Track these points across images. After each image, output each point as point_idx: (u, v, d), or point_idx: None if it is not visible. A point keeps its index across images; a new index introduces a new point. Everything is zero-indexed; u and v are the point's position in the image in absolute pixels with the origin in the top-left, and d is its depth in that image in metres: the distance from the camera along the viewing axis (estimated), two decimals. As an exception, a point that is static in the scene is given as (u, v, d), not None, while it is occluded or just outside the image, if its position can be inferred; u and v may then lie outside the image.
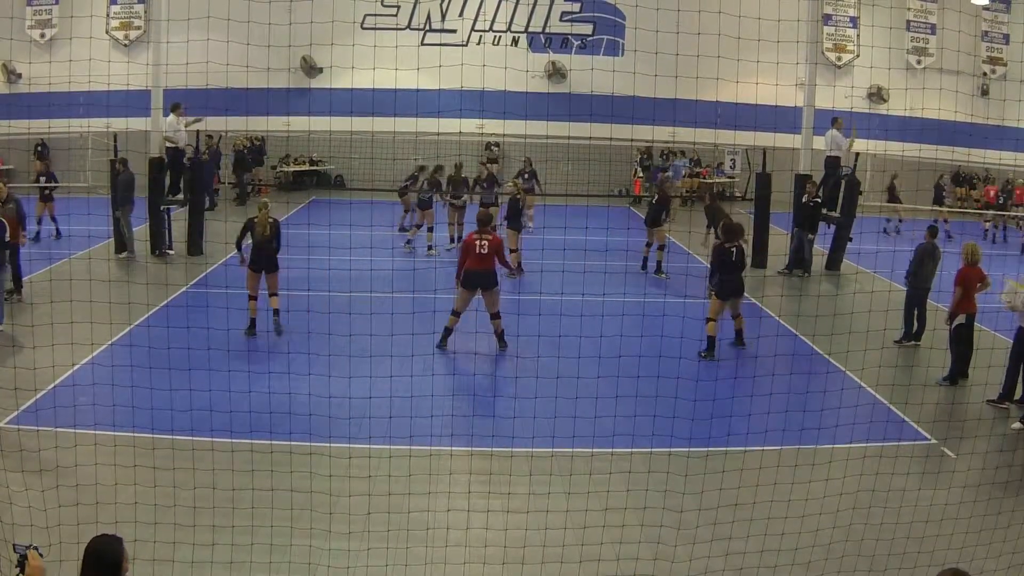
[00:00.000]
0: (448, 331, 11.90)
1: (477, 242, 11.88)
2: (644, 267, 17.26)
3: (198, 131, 18.72)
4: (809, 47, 18.68)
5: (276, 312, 12.26)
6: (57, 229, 18.76)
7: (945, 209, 24.51)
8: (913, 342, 12.88)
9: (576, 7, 28.34)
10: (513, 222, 16.71)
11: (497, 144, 24.34)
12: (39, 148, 24.69)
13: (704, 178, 27.99)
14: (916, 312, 12.88)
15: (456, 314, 11.90)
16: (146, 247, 17.15)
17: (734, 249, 12.43)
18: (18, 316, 12.29)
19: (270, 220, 12.20)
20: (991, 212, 24.94)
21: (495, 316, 11.91)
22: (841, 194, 18.22)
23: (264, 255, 12.08)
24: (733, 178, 27.39)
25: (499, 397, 10.07)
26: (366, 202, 21.63)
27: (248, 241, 12.16)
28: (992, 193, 26.53)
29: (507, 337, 11.86)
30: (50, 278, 13.34)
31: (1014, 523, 7.28)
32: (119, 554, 4.05)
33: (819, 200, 17.82)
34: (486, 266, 11.81)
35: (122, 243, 17.13)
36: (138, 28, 26.76)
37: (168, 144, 17.71)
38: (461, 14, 27.92)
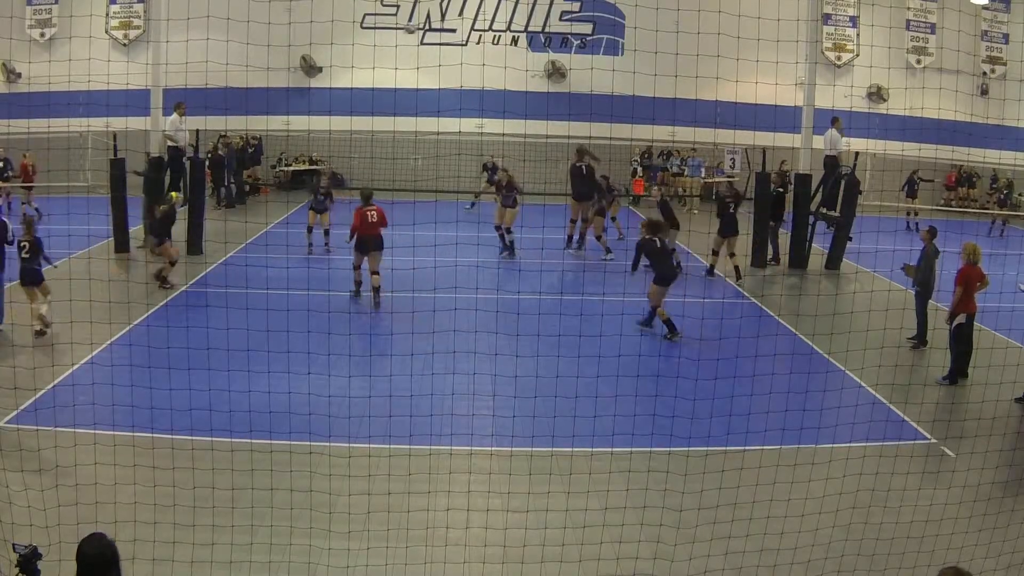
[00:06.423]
0: (357, 283, 14.14)
1: (367, 212, 13.88)
2: (569, 245, 18.33)
3: (197, 130, 18.71)
4: (809, 47, 18.67)
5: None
6: None
7: (918, 206, 24.56)
8: (919, 344, 12.83)
9: (576, 7, 28.31)
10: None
11: (495, 166, 24.27)
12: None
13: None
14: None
15: (355, 268, 14.21)
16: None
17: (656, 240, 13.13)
18: (18, 316, 12.28)
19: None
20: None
21: (374, 272, 13.76)
22: (841, 194, 18.24)
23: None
24: (732, 178, 27.34)
25: (499, 397, 10.06)
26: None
27: None
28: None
29: (507, 336, 11.73)
30: (50, 278, 13.33)
31: (1014, 523, 7.29)
32: (104, 556, 4.05)
33: (782, 190, 18.54)
34: (374, 232, 13.80)
35: (122, 243, 17.11)
36: (138, 28, 26.73)
37: (169, 143, 17.72)
38: (461, 13, 27.88)
